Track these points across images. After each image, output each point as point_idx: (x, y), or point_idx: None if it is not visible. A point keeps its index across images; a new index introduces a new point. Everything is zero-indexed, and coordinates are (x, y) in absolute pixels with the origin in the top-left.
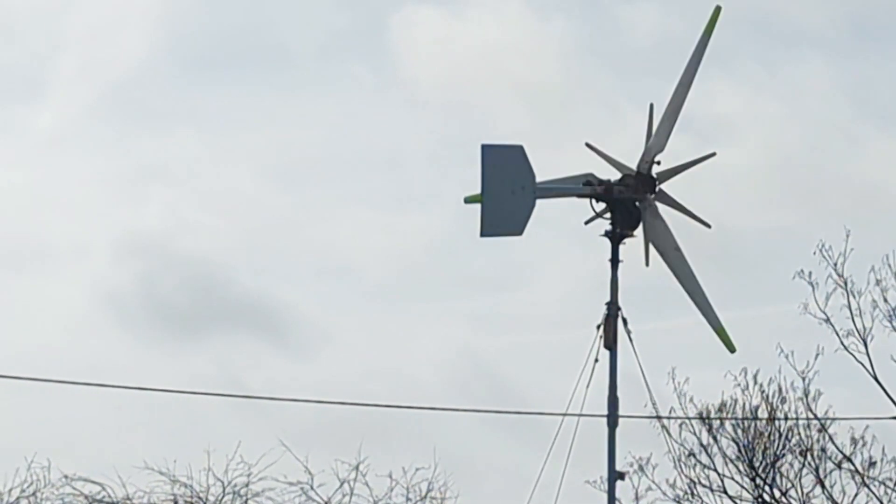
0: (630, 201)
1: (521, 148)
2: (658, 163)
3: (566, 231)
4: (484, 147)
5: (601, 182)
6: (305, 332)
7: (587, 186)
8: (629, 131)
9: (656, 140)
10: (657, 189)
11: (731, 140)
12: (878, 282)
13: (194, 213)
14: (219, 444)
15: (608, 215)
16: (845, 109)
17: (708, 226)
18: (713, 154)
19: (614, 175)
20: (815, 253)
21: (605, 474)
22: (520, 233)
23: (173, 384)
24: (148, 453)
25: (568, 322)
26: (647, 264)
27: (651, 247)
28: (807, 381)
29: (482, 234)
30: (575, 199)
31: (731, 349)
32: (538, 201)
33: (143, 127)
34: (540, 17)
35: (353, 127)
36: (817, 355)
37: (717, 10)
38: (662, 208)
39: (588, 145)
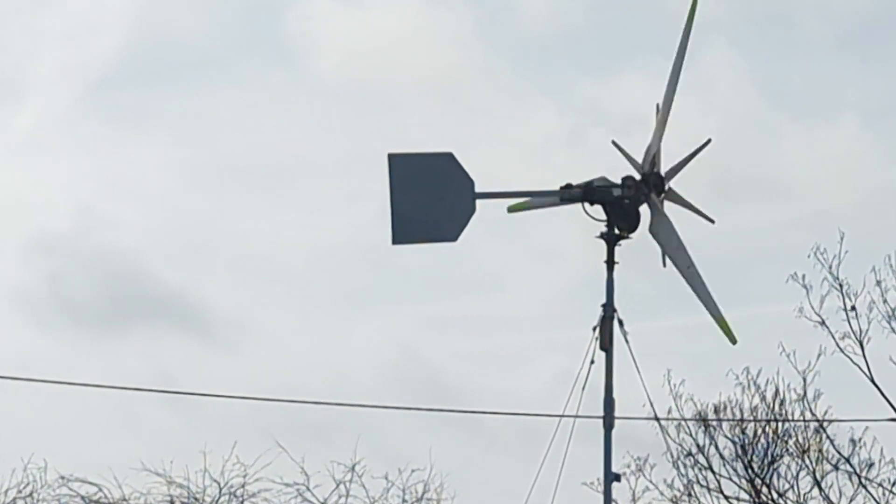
0: (634, 202)
1: (450, 155)
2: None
3: (551, 234)
4: (391, 156)
5: (580, 185)
6: (230, 329)
7: (565, 190)
8: (538, 119)
9: (655, 137)
10: (667, 188)
11: (644, 133)
12: (878, 282)
13: (109, 209)
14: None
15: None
16: (757, 101)
17: (712, 221)
18: (709, 141)
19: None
20: (809, 256)
21: (601, 476)
22: (454, 240)
23: (105, 382)
24: (145, 454)
25: (554, 325)
26: (664, 265)
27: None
28: (806, 382)
29: (394, 243)
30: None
31: (733, 341)
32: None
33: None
34: (434, 3)
35: (264, 123)
36: (815, 360)
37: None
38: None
39: (615, 144)
